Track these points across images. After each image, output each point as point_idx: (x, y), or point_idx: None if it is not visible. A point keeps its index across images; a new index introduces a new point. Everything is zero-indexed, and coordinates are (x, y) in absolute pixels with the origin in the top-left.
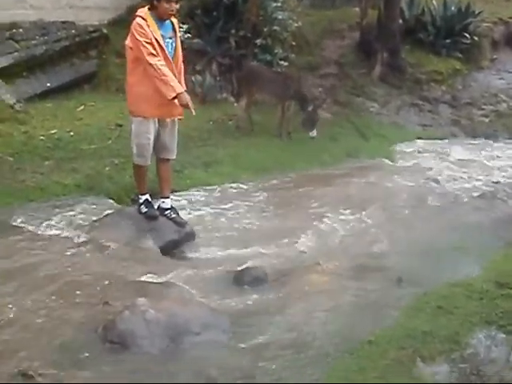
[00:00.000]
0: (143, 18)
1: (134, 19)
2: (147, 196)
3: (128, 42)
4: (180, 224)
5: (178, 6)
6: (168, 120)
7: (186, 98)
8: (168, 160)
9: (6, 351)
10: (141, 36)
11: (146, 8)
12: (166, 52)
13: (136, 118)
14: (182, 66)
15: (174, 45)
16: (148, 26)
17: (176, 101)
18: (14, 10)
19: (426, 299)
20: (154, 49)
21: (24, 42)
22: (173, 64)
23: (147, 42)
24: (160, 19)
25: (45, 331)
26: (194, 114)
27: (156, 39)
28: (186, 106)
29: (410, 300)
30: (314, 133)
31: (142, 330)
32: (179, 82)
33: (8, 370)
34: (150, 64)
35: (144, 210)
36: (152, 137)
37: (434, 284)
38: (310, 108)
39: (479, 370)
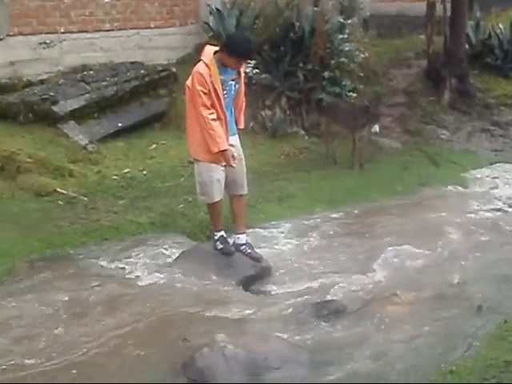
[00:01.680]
0: (207, 65)
1: (199, 61)
2: (222, 232)
3: (188, 82)
4: (256, 259)
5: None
6: None
7: (229, 155)
8: (241, 196)
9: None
10: (199, 85)
11: (213, 52)
12: (222, 101)
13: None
14: (244, 104)
15: (236, 86)
16: (210, 75)
17: None
18: (84, 53)
19: (507, 327)
20: (210, 98)
21: (95, 83)
22: (227, 111)
23: (204, 93)
24: (224, 65)
25: (125, 367)
26: (234, 167)
27: (215, 88)
28: (227, 163)
29: (490, 329)
30: (375, 128)
31: (222, 366)
32: (238, 119)
33: None
34: (202, 115)
35: (219, 246)
36: (216, 175)
37: None
38: (367, 101)
39: None
